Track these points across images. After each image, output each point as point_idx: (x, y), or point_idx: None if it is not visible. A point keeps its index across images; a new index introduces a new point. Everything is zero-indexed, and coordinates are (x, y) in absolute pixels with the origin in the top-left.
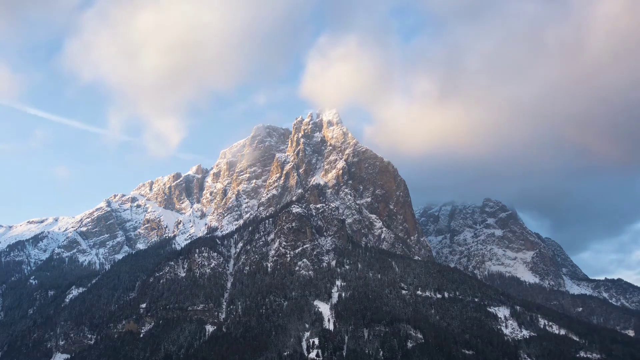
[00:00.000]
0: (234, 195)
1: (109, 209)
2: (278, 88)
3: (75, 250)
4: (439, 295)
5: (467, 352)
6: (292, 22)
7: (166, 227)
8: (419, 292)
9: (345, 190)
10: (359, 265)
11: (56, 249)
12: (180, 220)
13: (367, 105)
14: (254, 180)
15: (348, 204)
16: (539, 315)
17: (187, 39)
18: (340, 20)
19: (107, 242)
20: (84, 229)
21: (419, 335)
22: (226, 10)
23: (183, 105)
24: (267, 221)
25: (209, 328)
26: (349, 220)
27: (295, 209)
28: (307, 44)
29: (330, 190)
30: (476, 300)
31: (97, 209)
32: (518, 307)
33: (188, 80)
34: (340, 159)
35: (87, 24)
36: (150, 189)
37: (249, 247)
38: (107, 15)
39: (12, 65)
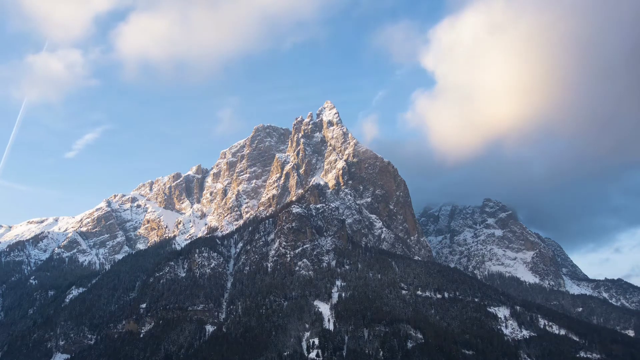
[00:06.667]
0: (234, 195)
1: (109, 209)
2: None
3: (75, 251)
4: (439, 295)
5: (467, 352)
6: None
7: (166, 227)
8: (419, 292)
9: (345, 190)
10: (359, 266)
11: (56, 249)
12: (181, 221)
13: None
14: (254, 180)
15: (348, 204)
16: (539, 316)
17: None
18: None
19: (107, 242)
20: (84, 229)
21: (419, 335)
22: None
23: None
24: (267, 221)
25: (209, 328)
26: (349, 221)
27: (295, 209)
28: None
29: (330, 190)
30: (476, 300)
31: (97, 209)
32: (518, 307)
33: None
34: (340, 159)
35: None
36: (151, 189)
37: (249, 247)
38: None
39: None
